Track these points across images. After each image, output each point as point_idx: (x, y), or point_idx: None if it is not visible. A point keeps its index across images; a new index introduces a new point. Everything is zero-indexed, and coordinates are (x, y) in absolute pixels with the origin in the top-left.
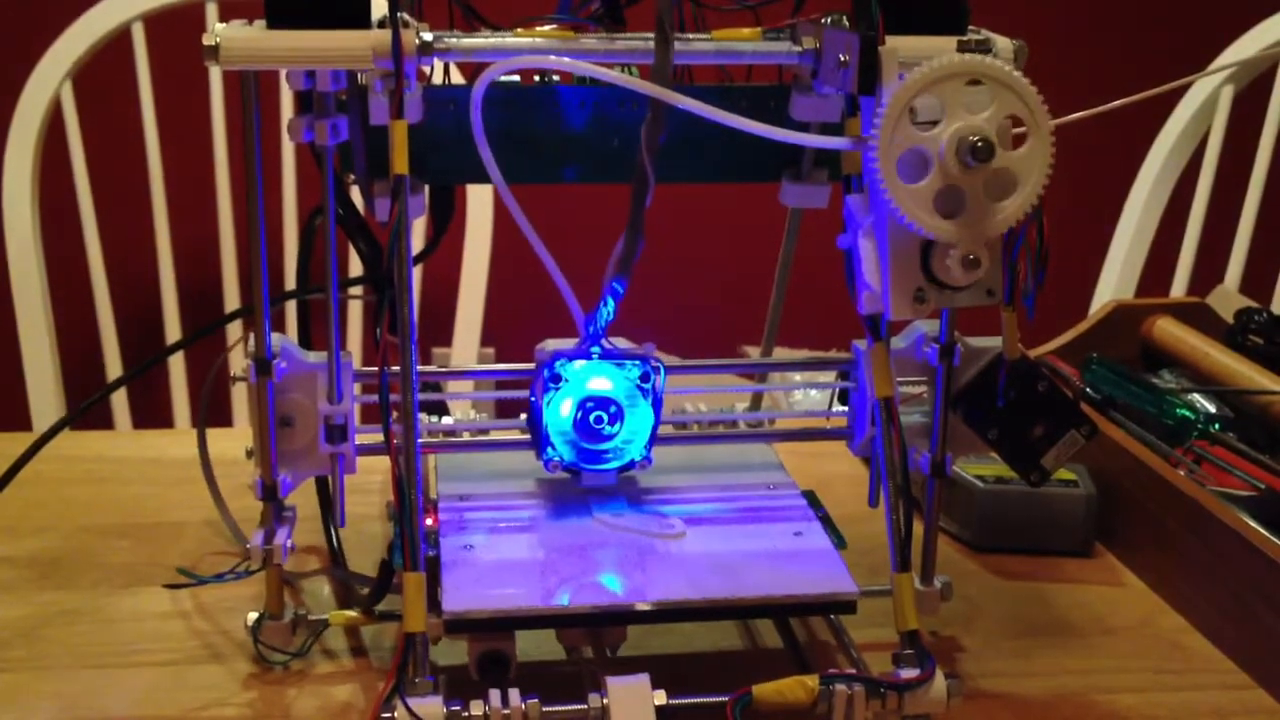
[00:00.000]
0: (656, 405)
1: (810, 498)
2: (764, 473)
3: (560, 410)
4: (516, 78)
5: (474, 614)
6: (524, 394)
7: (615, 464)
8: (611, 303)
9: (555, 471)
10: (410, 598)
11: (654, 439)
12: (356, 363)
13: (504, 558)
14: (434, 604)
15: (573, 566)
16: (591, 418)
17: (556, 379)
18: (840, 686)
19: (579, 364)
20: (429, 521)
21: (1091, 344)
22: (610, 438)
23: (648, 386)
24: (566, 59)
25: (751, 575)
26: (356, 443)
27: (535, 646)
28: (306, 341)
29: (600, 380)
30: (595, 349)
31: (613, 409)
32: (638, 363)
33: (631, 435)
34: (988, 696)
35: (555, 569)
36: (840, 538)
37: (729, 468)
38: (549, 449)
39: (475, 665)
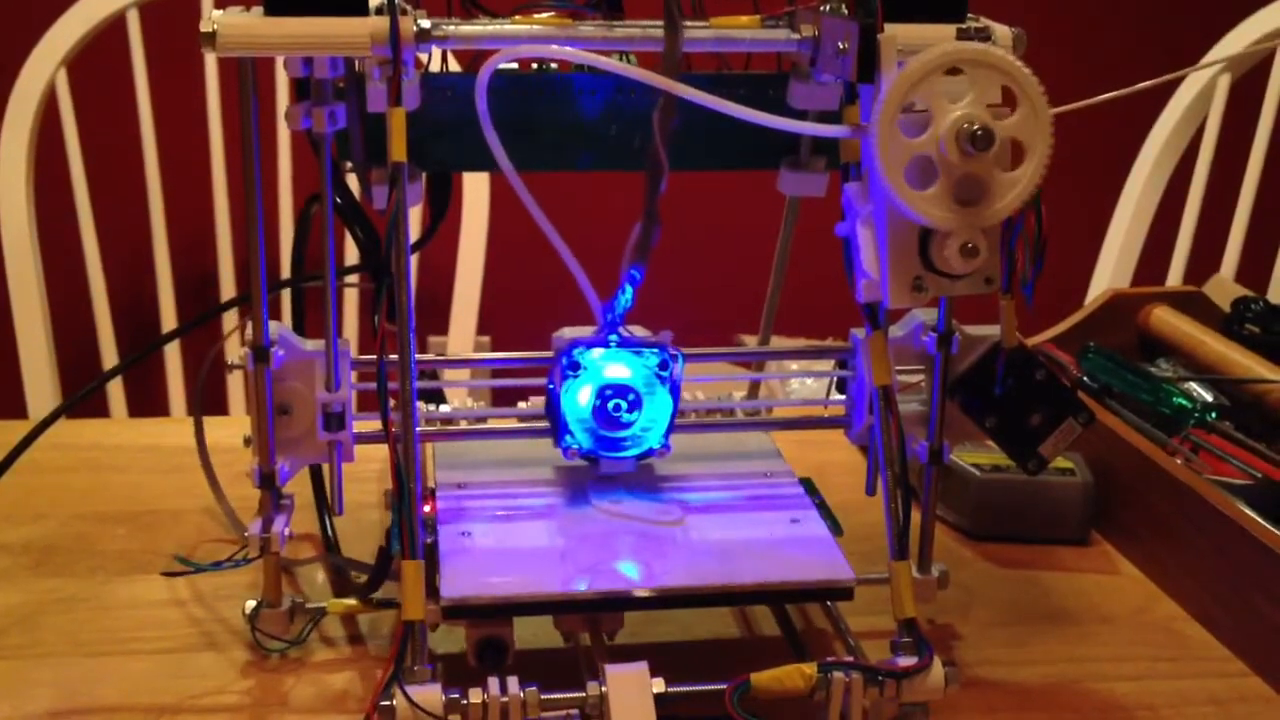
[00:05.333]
0: (675, 393)
1: (807, 485)
2: (762, 460)
3: (579, 398)
4: (515, 65)
5: (472, 600)
6: (521, 383)
7: (634, 451)
8: (630, 290)
9: (573, 459)
10: (409, 586)
11: (672, 427)
12: (353, 350)
13: (502, 544)
14: (432, 590)
15: (570, 553)
16: (610, 405)
17: (575, 367)
18: (838, 674)
19: (597, 352)
20: (427, 509)
21: (1088, 333)
22: (629, 425)
23: (666, 374)
24: (570, 48)
25: (749, 562)
26: (354, 430)
27: (533, 635)
28: (300, 329)
29: (619, 368)
30: (613, 337)
31: (631, 397)
32: (656, 350)
33: (650, 423)
34: (985, 684)
35: (553, 556)
36: (837, 525)
37: (727, 456)
38: (567, 436)
39: (474, 652)
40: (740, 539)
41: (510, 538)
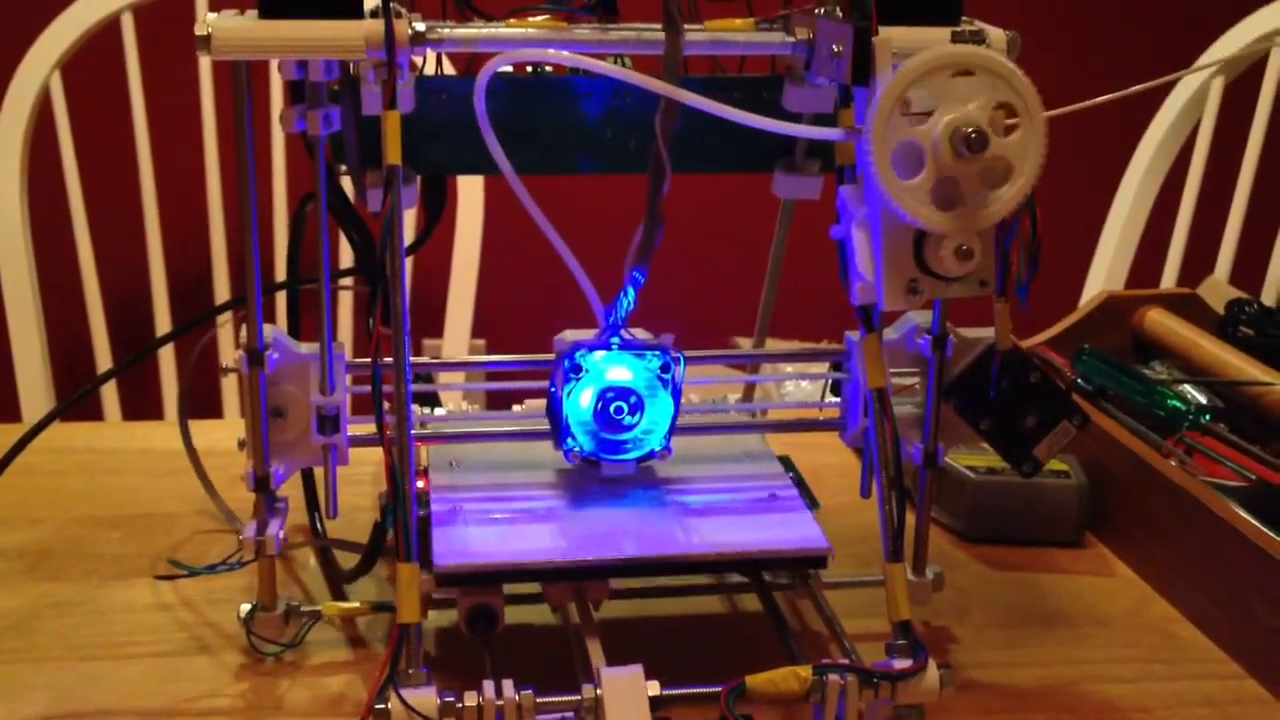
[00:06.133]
0: (676, 396)
1: (785, 462)
2: (752, 458)
3: (580, 401)
4: (509, 67)
5: (463, 568)
6: (516, 385)
7: (635, 454)
8: (632, 292)
9: (575, 462)
10: (403, 589)
11: (673, 429)
12: (348, 354)
13: (492, 516)
14: (426, 562)
15: (558, 526)
16: (612, 408)
17: (577, 369)
18: (833, 677)
19: (599, 355)
20: (420, 484)
21: (1083, 335)
22: (630, 428)
23: (668, 377)
24: (566, 52)
25: (728, 533)
26: (349, 434)
27: (530, 633)
28: (295, 332)
29: (620, 371)
30: (615, 339)
31: (633, 399)
32: (658, 353)
33: (651, 425)
34: (980, 686)
35: (540, 528)
36: (814, 499)
37: (718, 457)
38: (569, 439)
39: (465, 621)
40: (720, 512)
41: (499, 511)
